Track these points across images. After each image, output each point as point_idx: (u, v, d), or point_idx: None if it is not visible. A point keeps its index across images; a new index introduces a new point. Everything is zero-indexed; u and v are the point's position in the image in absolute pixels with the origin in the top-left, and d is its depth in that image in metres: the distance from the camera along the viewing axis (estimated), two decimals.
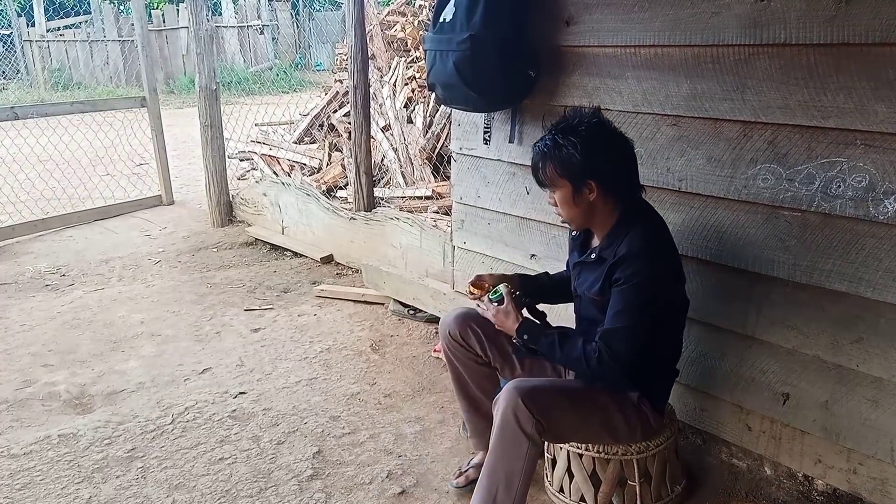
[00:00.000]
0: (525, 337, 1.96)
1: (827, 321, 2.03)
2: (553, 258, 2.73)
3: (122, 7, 14.87)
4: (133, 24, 6.27)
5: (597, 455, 2.06)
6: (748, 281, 2.17)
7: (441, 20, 2.57)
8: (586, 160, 1.83)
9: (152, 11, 14.67)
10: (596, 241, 2.00)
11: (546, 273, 2.35)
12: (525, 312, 2.10)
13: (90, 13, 14.87)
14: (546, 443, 2.08)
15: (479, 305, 2.12)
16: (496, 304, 2.06)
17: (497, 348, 2.18)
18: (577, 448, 2.07)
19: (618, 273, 1.85)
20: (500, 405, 1.84)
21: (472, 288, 2.16)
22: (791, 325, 2.11)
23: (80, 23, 14.94)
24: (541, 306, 2.23)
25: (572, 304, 2.17)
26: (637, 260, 1.83)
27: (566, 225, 2.05)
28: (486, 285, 2.14)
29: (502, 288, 2.08)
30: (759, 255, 2.12)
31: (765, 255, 2.11)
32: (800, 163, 1.97)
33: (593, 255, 1.97)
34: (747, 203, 2.12)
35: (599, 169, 1.86)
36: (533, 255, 2.86)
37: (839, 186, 1.91)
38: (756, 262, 2.13)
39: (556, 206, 1.95)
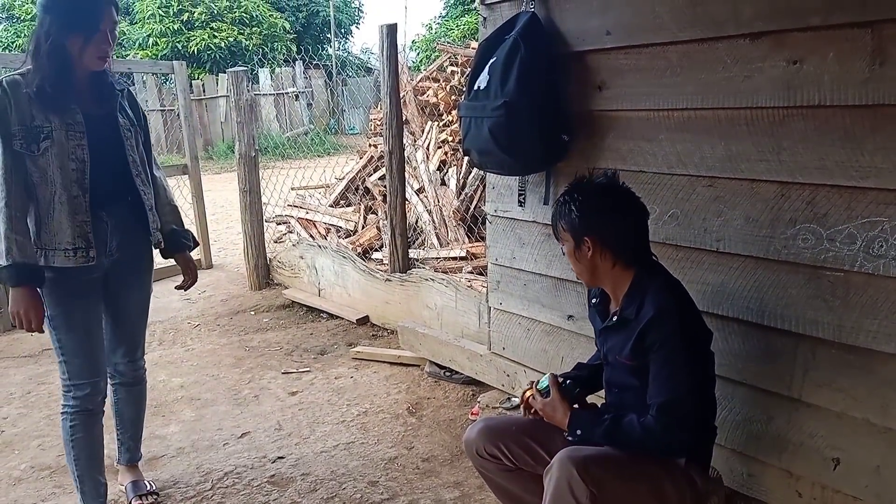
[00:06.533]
0: (578, 433, 1.90)
1: (876, 383, 1.98)
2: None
3: (165, 78, 15.45)
4: (175, 95, 6.50)
5: None
6: (793, 342, 2.14)
7: (475, 88, 2.64)
8: (582, 218, 1.89)
9: (193, 81, 15.24)
10: (614, 305, 2.01)
11: (579, 364, 2.29)
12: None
13: (133, 85, 15.49)
14: None
15: (529, 399, 2.06)
16: (543, 395, 2.01)
17: (524, 450, 2.10)
18: None
19: (651, 336, 1.83)
20: (554, 475, 1.80)
21: (525, 397, 2.10)
22: (838, 388, 2.06)
23: None
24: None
25: None
26: (668, 318, 1.82)
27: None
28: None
29: (548, 378, 2.02)
30: (802, 315, 2.09)
31: (808, 316, 2.08)
32: (840, 222, 1.96)
33: (615, 318, 1.97)
34: (788, 263, 2.10)
35: (595, 226, 1.89)
36: (570, 317, 2.85)
37: (881, 246, 1.89)
38: (800, 323, 2.10)
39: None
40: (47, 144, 2.18)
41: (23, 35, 17.27)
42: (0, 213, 2.14)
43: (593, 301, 2.13)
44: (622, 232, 1.93)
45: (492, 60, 2.58)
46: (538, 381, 2.06)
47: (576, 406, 2.01)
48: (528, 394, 2.08)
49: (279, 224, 6.30)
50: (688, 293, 1.97)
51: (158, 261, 6.01)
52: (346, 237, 5.43)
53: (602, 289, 2.06)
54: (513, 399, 3.24)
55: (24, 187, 2.19)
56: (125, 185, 2.39)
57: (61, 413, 2.44)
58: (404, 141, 4.40)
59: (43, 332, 2.28)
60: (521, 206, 2.94)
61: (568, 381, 2.06)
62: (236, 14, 18.36)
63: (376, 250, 5.17)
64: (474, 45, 4.85)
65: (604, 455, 1.85)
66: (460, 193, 5.02)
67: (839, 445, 2.10)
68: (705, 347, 1.95)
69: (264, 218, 5.58)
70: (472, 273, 4.34)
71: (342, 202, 5.98)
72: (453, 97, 5.58)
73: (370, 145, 6.16)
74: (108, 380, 2.59)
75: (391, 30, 4.08)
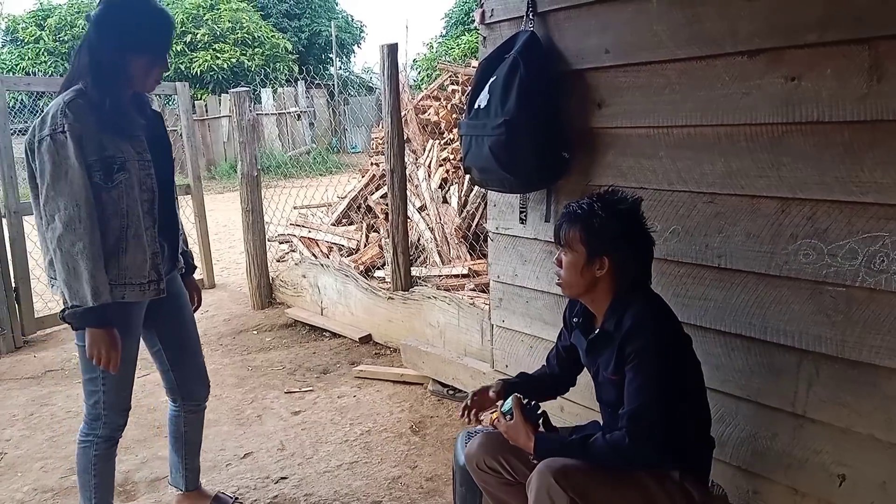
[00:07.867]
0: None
1: (880, 398, 1.98)
2: None
3: (168, 99, 15.56)
4: (178, 116, 6.55)
5: None
6: (796, 358, 2.13)
7: (476, 106, 2.65)
8: (612, 236, 1.87)
9: (196, 102, 15.34)
10: (598, 321, 2.01)
11: (523, 374, 2.32)
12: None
13: None
14: None
15: (495, 423, 2.03)
16: (507, 417, 1.97)
17: (524, 464, 2.08)
18: None
19: (628, 347, 1.84)
20: (533, 486, 1.80)
21: (491, 419, 2.07)
22: (843, 403, 2.05)
23: None
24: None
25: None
26: (644, 330, 1.83)
27: (559, 287, 2.02)
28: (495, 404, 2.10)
29: (512, 400, 1.99)
30: (805, 331, 2.09)
31: (811, 332, 2.08)
32: (841, 238, 1.97)
33: (597, 331, 1.98)
34: (790, 279, 2.10)
35: (619, 250, 1.88)
36: None
37: (883, 261, 1.89)
38: (803, 339, 2.10)
39: (560, 266, 1.96)
40: (123, 177, 2.05)
41: (26, 58, 17.40)
42: (85, 250, 1.98)
43: (575, 320, 2.11)
44: (637, 261, 1.94)
45: (492, 79, 2.60)
46: (502, 404, 2.03)
47: (541, 429, 1.98)
48: (493, 417, 2.04)
49: (281, 243, 6.32)
50: (667, 305, 1.97)
51: None
52: (348, 256, 5.43)
53: (584, 307, 2.06)
54: None
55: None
56: (174, 209, 2.33)
57: (83, 441, 2.29)
58: (406, 159, 4.42)
59: (118, 371, 2.14)
60: (522, 223, 2.95)
61: (532, 403, 2.02)
62: (239, 35, 18.52)
63: (379, 268, 5.18)
64: (475, 63, 4.89)
65: (587, 464, 1.84)
66: (462, 211, 5.03)
67: (845, 461, 2.08)
68: (684, 358, 1.94)
69: (267, 237, 5.60)
70: (475, 290, 4.33)
71: (344, 221, 5.99)
72: (454, 115, 5.62)
73: (372, 164, 6.19)
74: (174, 406, 2.57)
75: (392, 50, 4.11)
